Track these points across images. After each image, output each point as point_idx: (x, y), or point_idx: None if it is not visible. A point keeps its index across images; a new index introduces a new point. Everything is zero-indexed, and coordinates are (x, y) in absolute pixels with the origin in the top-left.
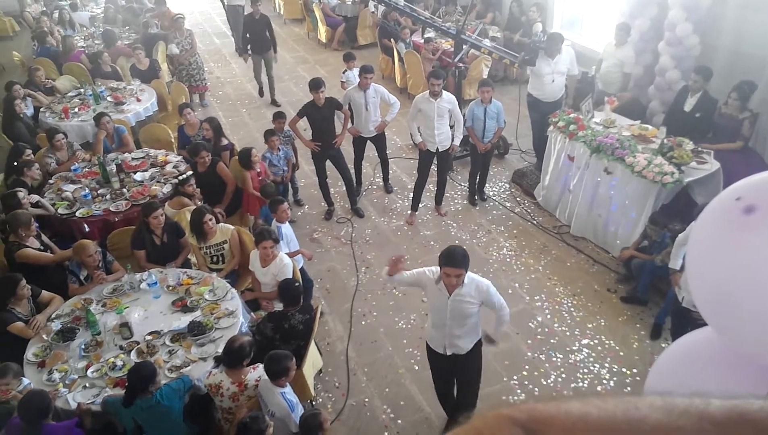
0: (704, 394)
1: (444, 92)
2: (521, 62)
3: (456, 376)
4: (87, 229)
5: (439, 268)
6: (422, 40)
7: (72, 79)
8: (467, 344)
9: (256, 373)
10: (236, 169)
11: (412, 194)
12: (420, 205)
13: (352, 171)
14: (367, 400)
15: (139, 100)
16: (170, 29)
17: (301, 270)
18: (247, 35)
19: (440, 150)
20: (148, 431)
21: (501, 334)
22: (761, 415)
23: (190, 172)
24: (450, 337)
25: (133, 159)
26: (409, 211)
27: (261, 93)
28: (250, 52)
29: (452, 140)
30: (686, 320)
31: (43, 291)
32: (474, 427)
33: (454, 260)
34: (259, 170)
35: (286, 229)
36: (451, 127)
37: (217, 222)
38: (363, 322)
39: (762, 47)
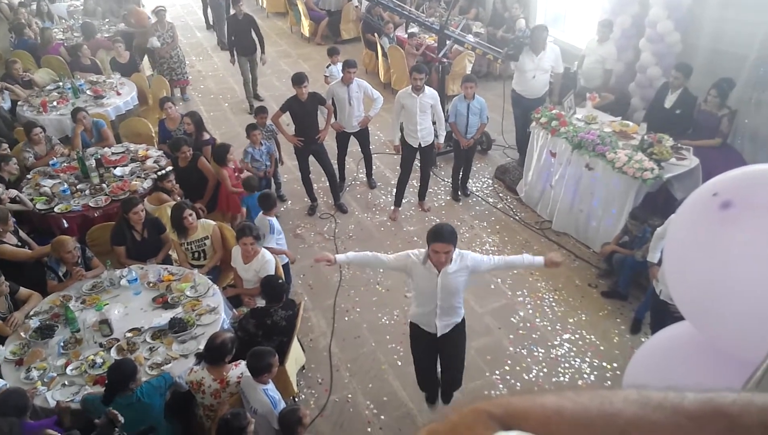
0: (679, 388)
1: (426, 87)
2: (505, 57)
3: (442, 356)
4: (66, 225)
5: (419, 251)
6: (406, 35)
7: (50, 72)
8: (458, 318)
9: (238, 369)
10: (206, 167)
11: (395, 190)
12: (403, 201)
13: (336, 166)
14: (350, 395)
15: (119, 94)
16: (138, 27)
17: (285, 266)
18: (233, 37)
19: (423, 145)
20: (131, 429)
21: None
22: (734, 409)
23: (169, 168)
24: (440, 316)
25: (112, 154)
26: (392, 207)
27: (251, 108)
28: (237, 55)
29: (436, 137)
30: (664, 313)
31: (21, 288)
32: (451, 422)
33: (442, 236)
34: (233, 167)
35: (276, 222)
36: (434, 123)
37: (198, 217)
38: (346, 318)
39: (741, 46)
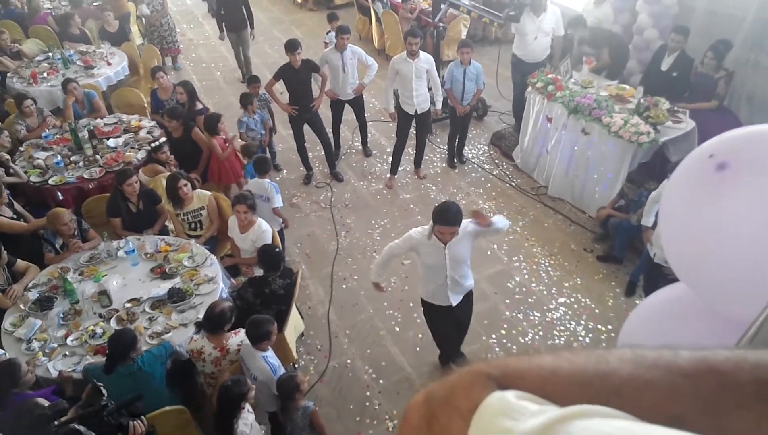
0: (673, 347)
1: (421, 52)
2: (506, 18)
3: (456, 324)
4: (61, 197)
5: (422, 228)
6: (400, 0)
7: (39, 43)
8: (463, 291)
9: (238, 337)
10: (199, 138)
11: (391, 157)
12: (399, 169)
13: (330, 135)
14: (349, 361)
15: (109, 64)
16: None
17: (279, 232)
18: (222, 12)
19: (419, 112)
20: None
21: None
22: (727, 366)
23: (163, 139)
24: (451, 287)
25: (105, 125)
26: (388, 175)
27: (243, 77)
28: (225, 30)
29: (432, 104)
30: (658, 275)
31: (19, 260)
32: (448, 383)
33: (448, 220)
34: (224, 137)
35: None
36: (429, 90)
37: (194, 188)
38: (344, 286)
39: (738, 7)
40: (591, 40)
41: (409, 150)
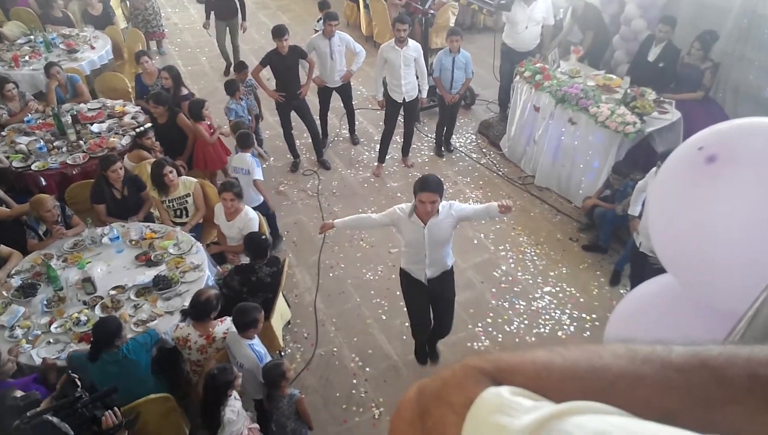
0: (666, 342)
1: (410, 40)
2: (497, 7)
3: (434, 302)
4: (44, 183)
5: (406, 205)
6: None
7: (20, 25)
8: (440, 269)
9: (224, 325)
10: (183, 123)
11: (378, 146)
12: (387, 157)
13: (318, 122)
14: (335, 349)
15: (93, 48)
16: None
17: (272, 217)
18: None
19: (407, 100)
20: (117, 385)
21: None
22: (719, 361)
23: (149, 124)
24: (430, 265)
25: (89, 109)
26: (375, 163)
27: (227, 71)
28: (213, 19)
29: (420, 92)
30: (643, 264)
31: (1, 246)
32: (441, 378)
33: (428, 185)
34: (209, 123)
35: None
36: (416, 78)
37: (179, 175)
38: (331, 274)
39: None
40: (583, 16)
41: (397, 138)
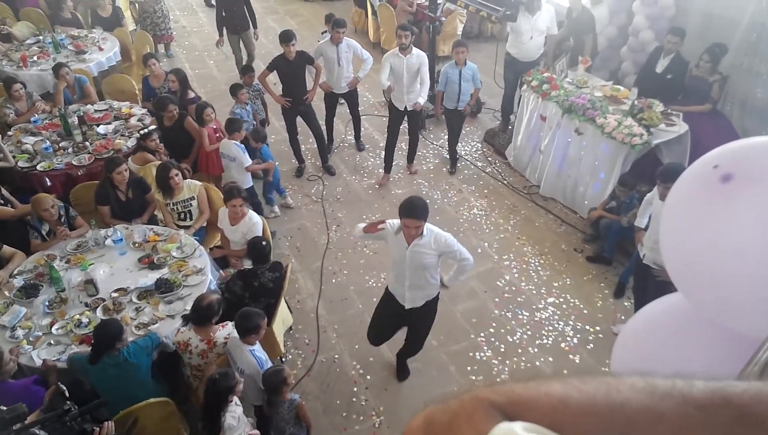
0: (687, 375)
1: (414, 48)
2: (502, 17)
3: (409, 327)
4: (49, 184)
5: (397, 221)
6: None
7: (30, 26)
8: (421, 301)
9: (225, 330)
10: (191, 127)
11: (384, 153)
12: (392, 164)
13: (324, 128)
14: (336, 356)
15: (101, 50)
16: None
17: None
18: (223, 13)
19: (409, 109)
20: (117, 389)
21: (457, 281)
22: (744, 399)
23: (153, 127)
24: (409, 288)
25: (95, 111)
26: (381, 171)
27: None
28: (225, 34)
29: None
30: (647, 276)
31: (5, 246)
32: (450, 410)
33: (413, 212)
34: (215, 127)
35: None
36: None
37: (184, 177)
38: (333, 280)
39: (734, 10)
40: (577, 20)
41: (402, 145)
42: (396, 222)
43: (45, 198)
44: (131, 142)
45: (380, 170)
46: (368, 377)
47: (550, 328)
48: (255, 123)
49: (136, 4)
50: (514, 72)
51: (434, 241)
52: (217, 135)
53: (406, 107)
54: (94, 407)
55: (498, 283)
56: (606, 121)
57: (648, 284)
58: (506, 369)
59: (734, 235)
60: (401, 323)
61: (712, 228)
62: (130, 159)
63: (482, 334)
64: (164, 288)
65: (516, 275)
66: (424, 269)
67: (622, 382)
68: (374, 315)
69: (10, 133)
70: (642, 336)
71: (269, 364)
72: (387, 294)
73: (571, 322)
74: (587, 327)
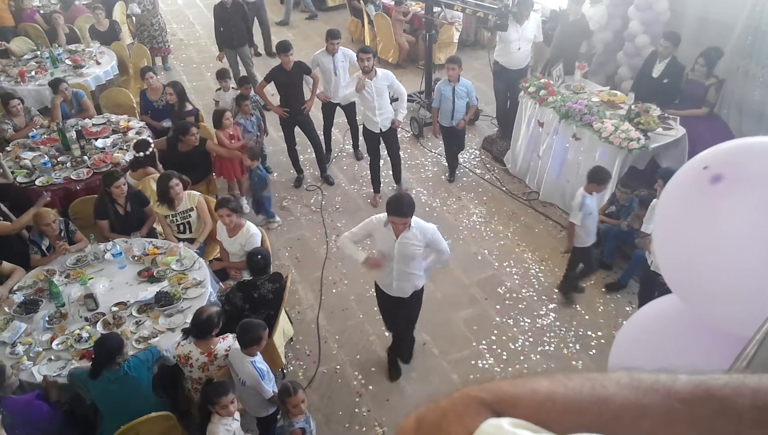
0: (671, 370)
1: (378, 70)
2: (492, 27)
3: (398, 315)
4: (48, 198)
5: (383, 215)
6: (392, 2)
7: (27, 41)
8: (410, 289)
9: (226, 343)
10: (204, 131)
11: (369, 174)
12: (384, 181)
13: (321, 138)
14: (338, 367)
15: (98, 64)
16: None
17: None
18: (221, 29)
19: (383, 130)
20: (118, 403)
21: (430, 270)
22: (725, 391)
23: (150, 150)
24: (397, 278)
25: (93, 125)
26: (372, 193)
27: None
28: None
29: (395, 116)
30: (654, 284)
31: (4, 262)
32: (440, 408)
33: (401, 211)
34: (231, 132)
35: None
36: (396, 100)
37: (184, 188)
38: (334, 290)
39: (729, 14)
40: (573, 24)
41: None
42: (381, 216)
43: (46, 212)
44: (129, 156)
45: (371, 192)
46: (370, 387)
47: (552, 334)
48: (258, 134)
49: (133, 18)
50: (503, 80)
51: (421, 232)
52: (232, 141)
53: (380, 129)
54: None
55: (499, 290)
56: (603, 126)
57: (655, 291)
58: (509, 377)
59: (724, 236)
60: (398, 311)
61: (702, 228)
62: (128, 173)
63: (484, 342)
64: (164, 301)
65: (517, 282)
66: (412, 259)
67: (608, 377)
68: (378, 307)
69: (8, 148)
70: (637, 339)
71: (271, 376)
72: (377, 289)
73: (573, 328)
74: (589, 333)
